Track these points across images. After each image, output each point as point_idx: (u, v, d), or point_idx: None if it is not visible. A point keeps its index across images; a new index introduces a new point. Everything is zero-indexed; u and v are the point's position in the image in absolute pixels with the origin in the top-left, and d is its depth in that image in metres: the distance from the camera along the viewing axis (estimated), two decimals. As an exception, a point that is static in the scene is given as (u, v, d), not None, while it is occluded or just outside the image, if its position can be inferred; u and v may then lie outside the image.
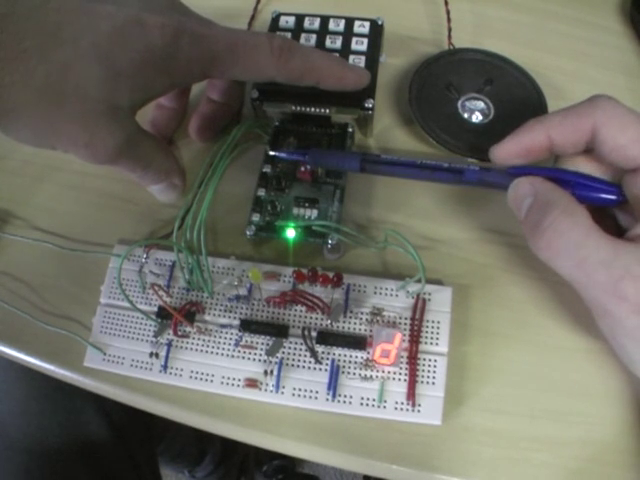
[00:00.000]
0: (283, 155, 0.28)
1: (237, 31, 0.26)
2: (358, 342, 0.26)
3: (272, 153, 0.28)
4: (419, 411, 0.25)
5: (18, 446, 0.39)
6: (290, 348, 0.26)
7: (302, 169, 0.29)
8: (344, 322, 0.26)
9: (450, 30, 0.34)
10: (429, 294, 0.27)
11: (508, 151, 0.24)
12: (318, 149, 0.29)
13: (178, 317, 0.26)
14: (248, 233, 0.28)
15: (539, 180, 0.23)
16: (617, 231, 0.22)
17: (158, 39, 0.24)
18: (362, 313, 0.27)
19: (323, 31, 0.31)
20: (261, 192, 0.29)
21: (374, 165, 0.27)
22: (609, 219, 0.24)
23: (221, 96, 0.31)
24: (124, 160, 0.26)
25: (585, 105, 0.23)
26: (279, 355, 0.26)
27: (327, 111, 0.29)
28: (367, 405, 0.25)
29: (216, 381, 0.26)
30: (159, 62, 0.24)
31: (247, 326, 0.27)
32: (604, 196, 0.23)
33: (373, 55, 0.30)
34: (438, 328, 0.26)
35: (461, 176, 0.25)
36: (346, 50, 0.30)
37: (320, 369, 0.26)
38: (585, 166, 0.24)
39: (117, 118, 0.24)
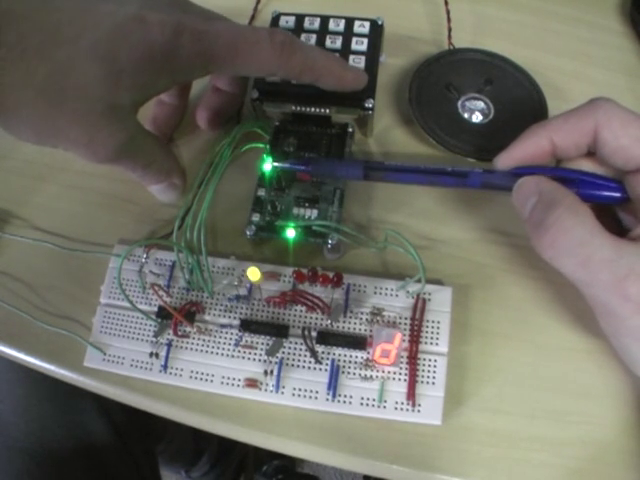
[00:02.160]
0: (286, 166, 0.28)
1: (238, 26, 0.26)
2: (358, 342, 0.26)
3: (275, 164, 0.28)
4: (419, 411, 0.25)
5: (19, 446, 0.39)
6: (290, 348, 0.26)
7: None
8: (344, 322, 0.26)
9: (450, 30, 0.34)
10: (429, 294, 0.27)
11: (513, 158, 0.24)
12: (320, 159, 0.29)
13: (178, 317, 0.26)
14: (248, 233, 0.28)
15: (543, 179, 0.23)
16: (619, 232, 0.22)
17: (158, 36, 0.23)
18: (362, 313, 0.27)
19: (323, 31, 0.31)
20: (261, 192, 0.29)
21: (377, 172, 0.27)
22: (611, 220, 0.24)
23: (227, 85, 0.31)
24: (125, 159, 0.26)
25: (586, 107, 0.23)
26: (279, 355, 0.26)
27: (327, 111, 0.29)
28: (367, 405, 0.25)
29: (216, 381, 0.26)
30: (160, 59, 0.24)
31: (247, 326, 0.27)
32: (608, 194, 0.23)
33: (373, 55, 0.30)
34: (438, 328, 0.26)
35: (465, 179, 0.25)
36: (346, 50, 0.30)
37: (320, 369, 0.26)
38: (587, 168, 0.24)
39: (118, 117, 0.24)
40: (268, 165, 0.28)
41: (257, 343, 0.27)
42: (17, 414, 0.40)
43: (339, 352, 0.26)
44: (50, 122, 0.23)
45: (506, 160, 0.25)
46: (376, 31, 0.31)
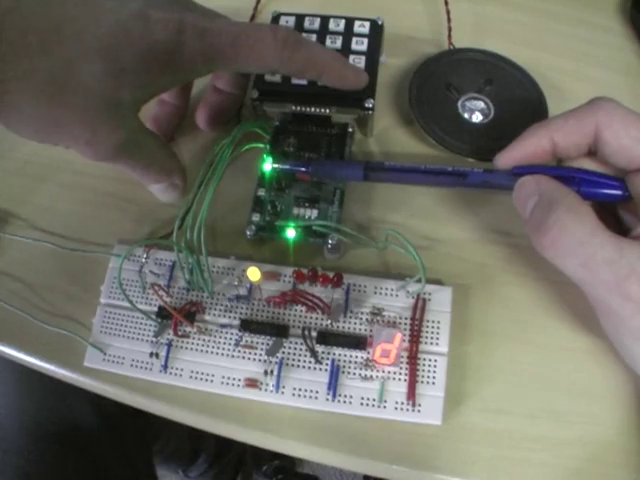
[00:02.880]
0: (286, 167, 0.28)
1: (240, 24, 0.26)
2: (358, 342, 0.26)
3: (275, 165, 0.28)
4: (419, 411, 0.25)
5: (16, 447, 0.39)
6: (290, 348, 0.26)
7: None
8: (344, 322, 0.26)
9: (450, 30, 0.34)
10: (429, 294, 0.27)
11: (513, 157, 0.24)
12: (320, 159, 0.29)
13: (178, 317, 0.26)
14: (248, 233, 0.28)
15: (544, 179, 0.23)
16: (620, 231, 0.22)
17: (161, 35, 0.23)
18: (362, 313, 0.27)
19: (323, 31, 0.31)
20: (261, 192, 0.29)
21: (378, 173, 0.27)
22: (612, 219, 0.24)
23: (227, 85, 0.31)
24: (125, 158, 0.26)
25: (587, 107, 0.23)
26: (279, 355, 0.26)
27: (327, 111, 0.29)
28: (367, 405, 0.25)
29: (216, 381, 0.26)
30: (162, 58, 0.24)
31: (247, 326, 0.27)
32: (609, 192, 0.23)
33: (373, 55, 0.30)
34: (438, 328, 0.26)
35: (465, 179, 0.25)
36: (346, 50, 0.30)
37: (320, 369, 0.26)
38: (588, 167, 0.24)
39: (120, 115, 0.24)
40: (268, 165, 0.29)
41: (257, 343, 0.27)
42: (13, 416, 0.40)
43: (339, 352, 0.26)
44: (52, 119, 0.23)
45: (506, 159, 0.25)
46: (376, 31, 0.31)
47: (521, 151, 0.24)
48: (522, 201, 0.23)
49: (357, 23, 0.31)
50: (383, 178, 0.27)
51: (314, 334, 0.26)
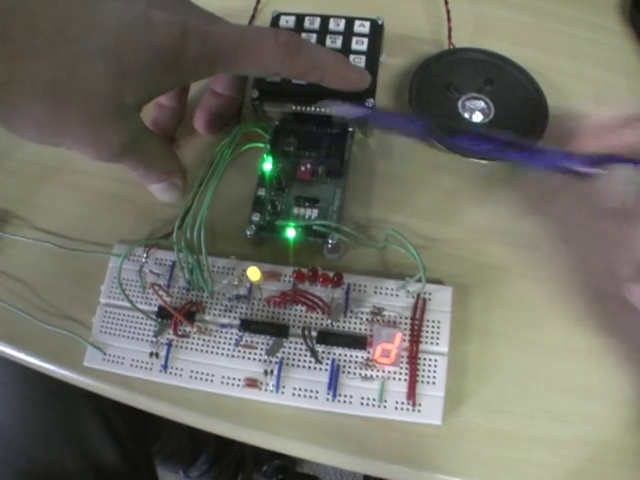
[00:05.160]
0: (345, 108, 0.27)
1: (243, 27, 0.26)
2: (358, 342, 0.26)
3: (330, 109, 0.28)
4: (419, 411, 0.25)
5: (17, 446, 0.39)
6: (290, 348, 0.26)
7: (302, 169, 0.29)
8: (344, 322, 0.26)
9: (450, 30, 0.34)
10: (429, 294, 0.27)
11: (604, 144, 0.23)
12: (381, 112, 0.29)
13: (178, 317, 0.26)
14: (248, 233, 0.28)
15: None
16: None
17: (165, 37, 0.24)
18: (362, 313, 0.27)
19: (323, 31, 0.31)
20: (261, 192, 0.29)
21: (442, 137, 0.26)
22: None
23: (225, 89, 0.31)
24: (128, 158, 0.26)
25: None
26: (279, 355, 0.26)
27: (327, 111, 0.29)
28: (367, 405, 0.25)
29: (216, 381, 0.26)
30: (165, 60, 0.24)
31: (247, 326, 0.27)
32: None
33: (373, 55, 0.30)
34: (438, 328, 0.26)
35: (541, 157, 0.24)
36: (346, 50, 0.30)
37: (320, 369, 0.26)
38: None
39: (123, 116, 0.24)
40: (268, 165, 0.29)
41: (257, 343, 0.27)
42: (14, 416, 0.39)
43: (339, 352, 0.26)
44: (55, 120, 0.23)
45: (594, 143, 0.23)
46: (376, 31, 0.31)
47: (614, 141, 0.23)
48: (613, 187, 0.22)
49: (357, 23, 0.31)
50: (445, 141, 0.26)
51: (314, 334, 0.26)
